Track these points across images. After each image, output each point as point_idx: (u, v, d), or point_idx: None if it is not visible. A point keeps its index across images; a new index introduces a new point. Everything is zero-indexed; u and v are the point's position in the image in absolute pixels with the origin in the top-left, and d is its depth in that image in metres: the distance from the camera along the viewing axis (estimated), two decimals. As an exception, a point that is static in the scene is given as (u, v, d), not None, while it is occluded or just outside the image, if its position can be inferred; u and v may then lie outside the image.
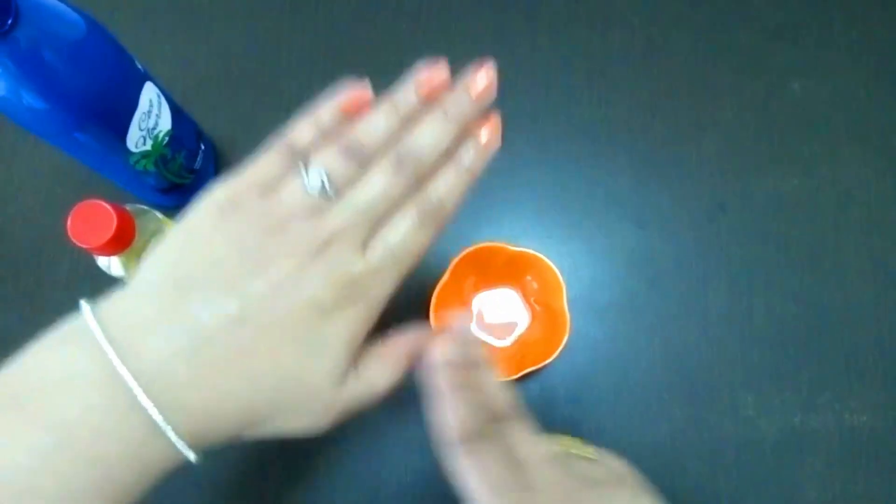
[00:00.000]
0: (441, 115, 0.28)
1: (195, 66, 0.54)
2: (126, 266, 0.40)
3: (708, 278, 0.49)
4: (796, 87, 0.53)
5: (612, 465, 0.32)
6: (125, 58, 0.39)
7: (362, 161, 0.27)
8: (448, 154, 0.28)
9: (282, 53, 0.54)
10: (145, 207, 0.41)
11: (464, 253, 0.44)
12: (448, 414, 0.28)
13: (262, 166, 0.28)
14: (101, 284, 0.29)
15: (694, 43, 0.54)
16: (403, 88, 0.28)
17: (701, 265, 0.49)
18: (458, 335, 0.30)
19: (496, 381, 0.31)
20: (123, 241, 0.37)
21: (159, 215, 0.42)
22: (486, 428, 0.29)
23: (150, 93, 0.41)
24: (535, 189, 0.51)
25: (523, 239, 0.47)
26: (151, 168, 0.44)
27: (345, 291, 0.26)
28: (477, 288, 0.48)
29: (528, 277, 0.47)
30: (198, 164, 0.48)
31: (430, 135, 0.28)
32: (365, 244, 0.27)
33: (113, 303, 0.26)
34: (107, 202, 0.37)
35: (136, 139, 0.40)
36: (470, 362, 0.30)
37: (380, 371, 0.29)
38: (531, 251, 0.45)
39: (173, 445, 0.24)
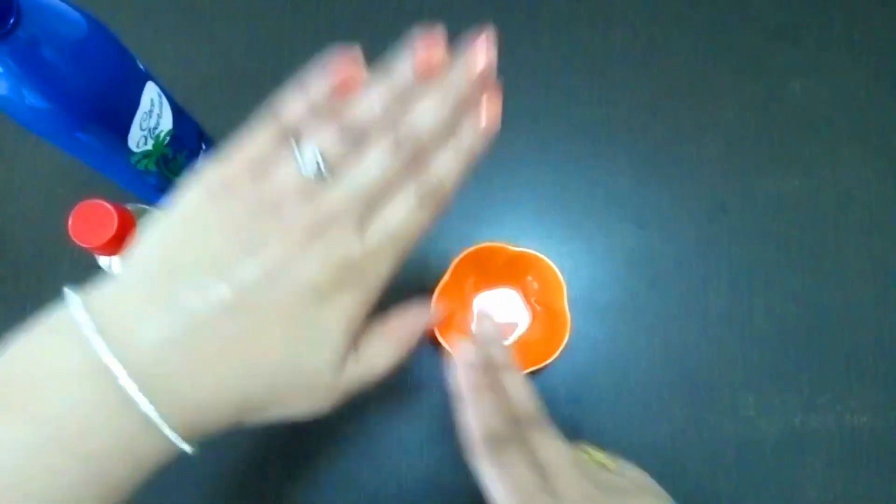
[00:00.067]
0: (441, 94, 0.26)
1: (197, 65, 0.54)
2: (127, 265, 0.40)
3: (708, 278, 0.49)
4: (796, 87, 0.53)
5: (633, 475, 0.32)
6: (127, 57, 0.39)
7: (357, 140, 0.26)
8: (447, 131, 0.27)
9: (283, 53, 0.54)
10: (146, 207, 0.41)
11: (464, 253, 0.44)
12: (471, 416, 0.28)
13: (252, 145, 0.26)
14: (102, 284, 0.29)
15: (694, 43, 0.54)
16: (400, 64, 0.27)
17: (701, 265, 0.49)
18: (481, 337, 0.29)
19: (520, 384, 0.30)
20: (124, 240, 0.37)
21: (160, 215, 0.42)
22: (510, 430, 0.28)
23: (151, 92, 0.41)
24: (535, 189, 0.51)
25: (524, 239, 0.47)
26: (153, 168, 0.44)
27: (342, 275, 0.25)
28: (477, 288, 0.48)
29: (529, 277, 0.47)
30: (199, 164, 0.48)
31: (429, 115, 0.26)
32: (362, 226, 0.26)
33: (101, 291, 0.24)
34: (108, 202, 0.37)
35: (138, 139, 0.40)
36: (493, 364, 0.30)
37: (380, 351, 0.28)
38: (532, 251, 0.45)
39: (167, 438, 0.23)
